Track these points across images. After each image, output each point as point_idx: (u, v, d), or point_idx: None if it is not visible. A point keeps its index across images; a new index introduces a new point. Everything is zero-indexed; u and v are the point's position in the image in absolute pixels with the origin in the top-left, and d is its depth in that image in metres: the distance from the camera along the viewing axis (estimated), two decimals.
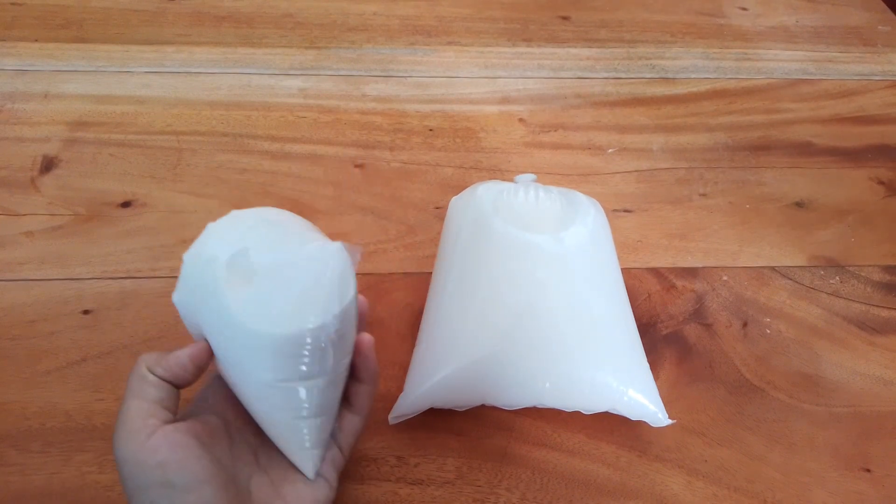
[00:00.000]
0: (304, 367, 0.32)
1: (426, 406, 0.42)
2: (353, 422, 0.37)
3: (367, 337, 0.36)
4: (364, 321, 0.36)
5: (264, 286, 0.32)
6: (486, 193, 0.46)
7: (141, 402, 0.32)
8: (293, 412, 0.33)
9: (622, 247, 0.54)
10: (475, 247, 0.44)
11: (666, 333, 0.50)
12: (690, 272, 0.54)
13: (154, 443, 0.30)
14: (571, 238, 0.44)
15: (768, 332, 0.50)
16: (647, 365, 0.43)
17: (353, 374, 0.36)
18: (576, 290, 0.43)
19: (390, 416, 0.42)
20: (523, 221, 0.44)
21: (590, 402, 0.42)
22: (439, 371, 0.41)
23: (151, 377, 0.32)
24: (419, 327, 0.45)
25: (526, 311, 0.41)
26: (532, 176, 0.48)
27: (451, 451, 0.43)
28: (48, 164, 0.57)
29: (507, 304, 0.41)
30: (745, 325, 0.51)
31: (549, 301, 0.42)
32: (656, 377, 0.45)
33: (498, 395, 0.42)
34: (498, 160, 0.62)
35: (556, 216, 0.45)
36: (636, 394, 0.41)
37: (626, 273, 0.51)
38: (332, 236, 0.54)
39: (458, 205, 0.48)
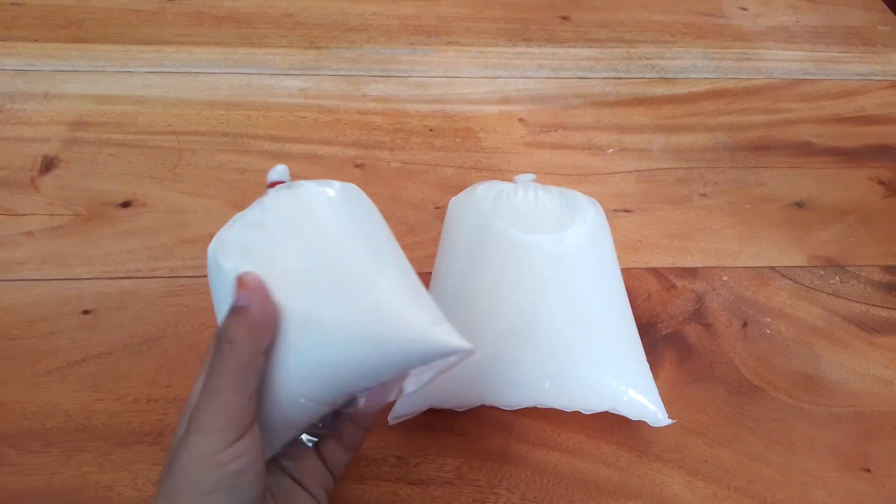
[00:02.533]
0: None
1: (426, 406, 0.42)
2: (340, 454, 0.35)
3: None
4: None
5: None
6: (485, 193, 0.46)
7: (241, 396, 0.27)
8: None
9: (622, 247, 0.54)
10: (475, 247, 0.44)
11: (666, 333, 0.50)
12: (690, 272, 0.54)
13: (241, 447, 0.27)
14: (571, 238, 0.44)
15: (768, 332, 0.50)
16: (647, 365, 0.43)
17: (352, 419, 0.35)
18: (575, 290, 0.43)
19: (390, 417, 0.42)
20: (523, 221, 0.44)
21: (590, 401, 0.42)
22: None
23: (262, 359, 0.28)
24: None
25: (525, 311, 0.41)
26: (532, 176, 0.48)
27: (451, 451, 0.43)
28: (48, 164, 0.57)
29: (507, 304, 0.41)
30: (745, 325, 0.51)
31: (548, 301, 0.42)
32: (656, 377, 0.45)
33: (498, 395, 0.42)
34: (498, 160, 0.62)
35: (555, 216, 0.45)
36: (636, 394, 0.41)
37: (626, 273, 0.51)
38: None
39: (458, 205, 0.48)
